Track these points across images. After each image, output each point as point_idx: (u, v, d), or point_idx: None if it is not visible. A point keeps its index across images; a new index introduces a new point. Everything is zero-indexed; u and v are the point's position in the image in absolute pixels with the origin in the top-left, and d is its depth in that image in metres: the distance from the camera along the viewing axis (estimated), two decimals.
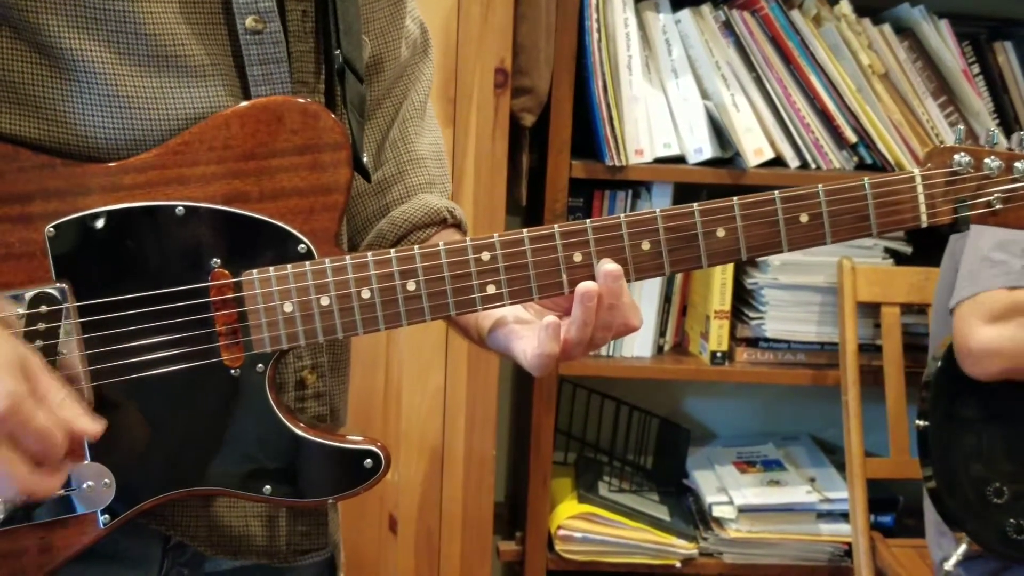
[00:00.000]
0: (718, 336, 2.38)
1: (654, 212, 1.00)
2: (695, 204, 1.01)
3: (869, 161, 2.31)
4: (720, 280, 2.36)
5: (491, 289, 1.00)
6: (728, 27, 2.28)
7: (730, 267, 2.34)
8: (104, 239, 0.96)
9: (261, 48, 1.00)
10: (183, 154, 0.97)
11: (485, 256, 0.99)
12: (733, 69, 2.28)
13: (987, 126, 2.32)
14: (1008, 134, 2.32)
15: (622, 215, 1.01)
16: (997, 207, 1.04)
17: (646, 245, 1.01)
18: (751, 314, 2.39)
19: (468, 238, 1.00)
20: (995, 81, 2.39)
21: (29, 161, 0.95)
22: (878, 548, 2.18)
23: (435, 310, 1.00)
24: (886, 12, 2.40)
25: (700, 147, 2.27)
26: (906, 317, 2.29)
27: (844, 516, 2.40)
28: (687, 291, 2.48)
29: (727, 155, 2.31)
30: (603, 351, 2.40)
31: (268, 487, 1.01)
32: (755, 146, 2.27)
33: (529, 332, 1.01)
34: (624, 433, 2.62)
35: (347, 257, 0.99)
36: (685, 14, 2.28)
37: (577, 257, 1.00)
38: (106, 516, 0.98)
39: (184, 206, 0.97)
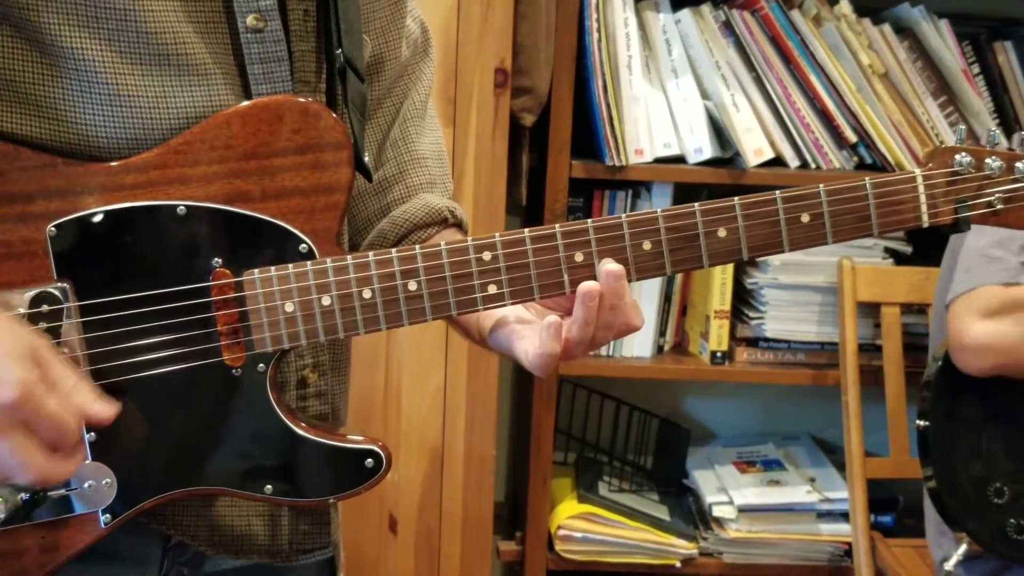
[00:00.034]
0: (718, 336, 2.38)
1: (655, 212, 1.00)
2: (696, 204, 1.01)
3: (869, 161, 2.31)
4: (720, 280, 2.36)
5: (492, 289, 1.00)
6: (728, 27, 2.28)
7: (730, 267, 2.34)
8: (105, 238, 0.96)
9: (262, 46, 1.00)
10: (184, 153, 0.97)
11: (486, 256, 0.99)
12: (733, 69, 2.28)
13: (987, 126, 2.32)
14: (1008, 134, 2.32)
15: (623, 215, 1.01)
16: (998, 207, 1.04)
17: (647, 245, 1.01)
18: (751, 314, 2.39)
19: (469, 238, 1.00)
20: (995, 81, 2.39)
21: (30, 160, 0.95)
22: (878, 548, 2.18)
23: (436, 310, 1.00)
24: (886, 12, 2.40)
25: (700, 147, 2.27)
26: (906, 317, 2.29)
27: (844, 516, 2.40)
28: (687, 291, 2.48)
29: (727, 155, 2.31)
30: (603, 351, 2.40)
31: (269, 487, 1.01)
32: (755, 146, 2.27)
33: (530, 332, 1.01)
34: (624, 433, 2.62)
35: (349, 257, 0.99)
36: (685, 14, 2.28)
37: (578, 257, 1.00)
38: (107, 516, 0.98)
39: (185, 205, 0.97)
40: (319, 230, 0.99)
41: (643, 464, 2.64)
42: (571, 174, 2.26)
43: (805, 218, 1.02)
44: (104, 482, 0.97)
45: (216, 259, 0.97)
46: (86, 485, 0.97)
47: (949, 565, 1.78)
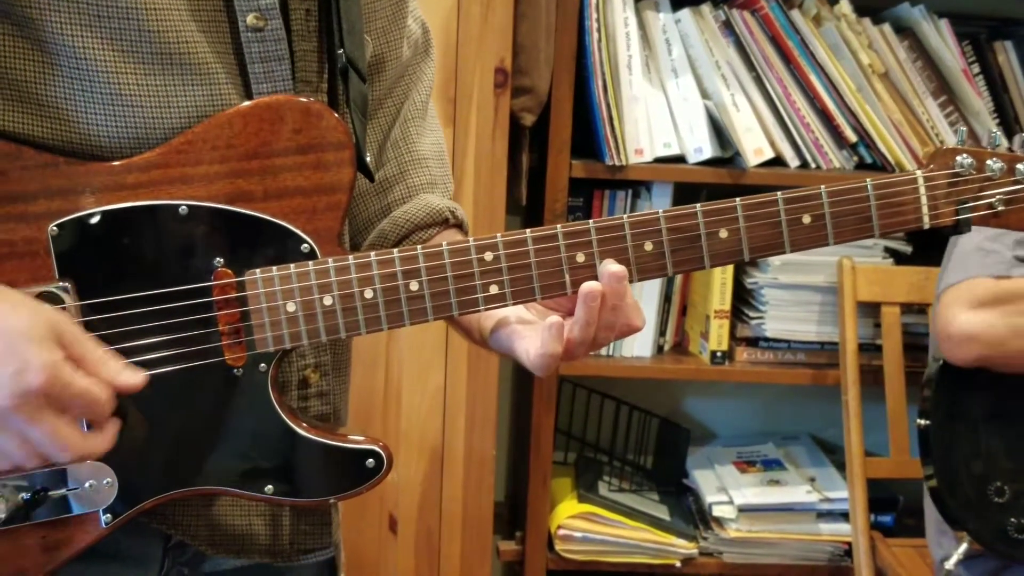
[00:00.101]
0: (718, 336, 2.38)
1: (657, 213, 1.00)
2: (698, 205, 1.01)
3: (869, 161, 2.32)
4: (720, 280, 2.36)
5: (494, 289, 1.00)
6: (728, 27, 2.28)
7: (730, 267, 2.34)
8: (107, 238, 0.96)
9: (262, 46, 1.00)
10: (186, 153, 0.97)
11: (488, 256, 0.99)
12: (733, 69, 2.28)
13: (987, 126, 2.32)
14: (1008, 134, 2.32)
15: (625, 216, 1.01)
16: (999, 209, 1.05)
17: (649, 246, 1.01)
18: (751, 314, 2.40)
19: (471, 238, 1.00)
20: (995, 81, 2.39)
21: (32, 160, 0.95)
22: (878, 548, 2.18)
23: (438, 310, 1.00)
24: (886, 12, 2.40)
25: (700, 147, 2.27)
26: (906, 317, 2.29)
27: (844, 516, 2.40)
28: (687, 291, 2.48)
29: (727, 155, 2.31)
30: (603, 351, 2.40)
31: (270, 486, 1.01)
32: (755, 146, 2.27)
33: (532, 332, 1.01)
34: (624, 433, 2.62)
35: (350, 257, 0.99)
36: (685, 14, 2.28)
37: (580, 257, 1.00)
38: (108, 515, 0.98)
39: (187, 205, 0.97)
40: (321, 230, 0.99)
41: (643, 464, 2.64)
42: (571, 174, 2.26)
43: (806, 219, 1.02)
44: (105, 482, 0.97)
45: (218, 259, 0.97)
46: (87, 485, 0.97)
47: (949, 564, 1.78)
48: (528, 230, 1.00)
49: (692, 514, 2.50)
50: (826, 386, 2.38)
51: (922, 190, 1.04)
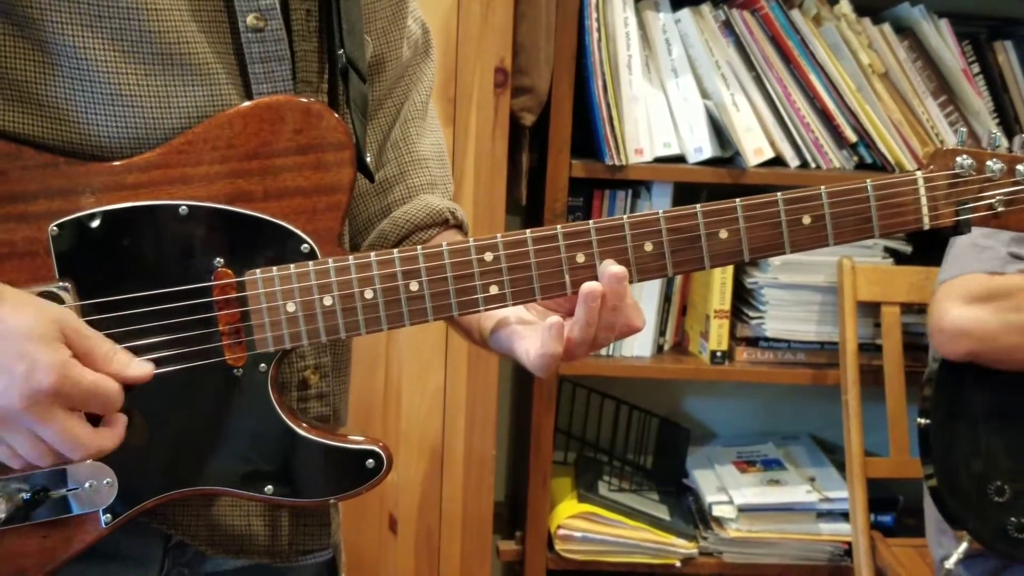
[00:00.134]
0: (718, 336, 2.38)
1: (657, 213, 1.00)
2: (698, 205, 1.01)
3: (869, 161, 2.31)
4: (720, 280, 2.36)
5: (494, 290, 1.00)
6: (728, 26, 2.28)
7: (730, 267, 2.34)
8: (107, 238, 0.96)
9: (263, 46, 1.00)
10: (186, 153, 0.97)
11: (488, 256, 0.99)
12: (733, 69, 2.28)
13: (987, 126, 2.32)
14: (1008, 134, 2.32)
15: (625, 216, 1.01)
16: (999, 210, 1.05)
17: (649, 246, 1.01)
18: (751, 313, 2.40)
19: (471, 238, 1.00)
20: (995, 81, 2.39)
21: (32, 160, 0.95)
22: (878, 547, 2.18)
23: (438, 310, 1.00)
24: (886, 12, 2.40)
25: (700, 146, 2.27)
26: (906, 316, 2.29)
27: (844, 516, 2.40)
28: (687, 291, 2.48)
29: (727, 154, 2.31)
30: (603, 351, 2.40)
31: (270, 487, 1.01)
32: (755, 145, 2.27)
33: (532, 332, 1.01)
34: (624, 433, 2.62)
35: (350, 257, 0.99)
36: (685, 13, 2.28)
37: (580, 258, 1.00)
38: (108, 515, 0.98)
39: (187, 205, 0.97)
40: (321, 230, 0.99)
41: (643, 464, 2.64)
42: (571, 174, 2.26)
43: (806, 220, 1.02)
44: (105, 482, 0.97)
45: (218, 259, 0.97)
46: (87, 485, 0.97)
47: (949, 564, 1.78)
48: (528, 230, 1.00)
49: (692, 514, 2.50)
50: (826, 386, 2.38)
51: (922, 191, 1.04)
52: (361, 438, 1.02)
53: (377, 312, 0.99)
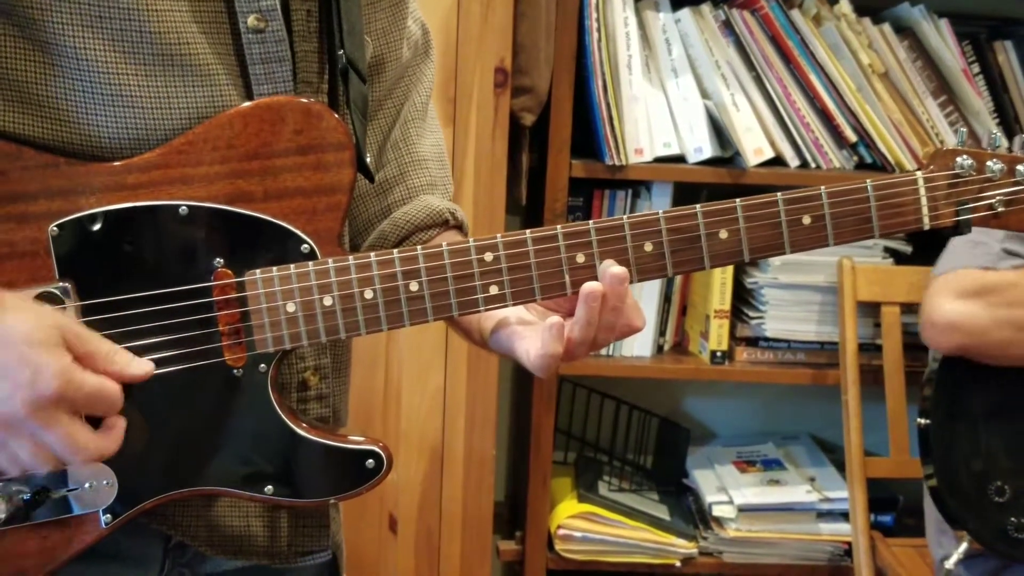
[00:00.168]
0: (718, 335, 2.38)
1: (657, 213, 1.00)
2: (698, 205, 1.01)
3: (869, 161, 2.31)
4: (720, 279, 2.36)
5: (494, 290, 1.00)
6: (728, 26, 2.28)
7: (730, 267, 2.34)
8: (107, 238, 0.96)
9: (263, 47, 1.00)
10: (187, 153, 0.97)
11: (488, 257, 1.00)
12: (733, 68, 2.28)
13: (987, 126, 2.32)
14: (1008, 134, 2.32)
15: (625, 216, 1.01)
16: (999, 210, 1.05)
17: (649, 246, 1.01)
18: (751, 313, 2.40)
19: (471, 239, 1.00)
20: (995, 81, 2.39)
21: (33, 160, 0.95)
22: (878, 547, 2.19)
23: (438, 311, 1.00)
24: (886, 11, 2.40)
25: (700, 146, 2.27)
26: (906, 316, 2.29)
27: (844, 516, 2.40)
28: (687, 291, 2.48)
29: (727, 154, 2.31)
30: (603, 351, 2.40)
31: (270, 487, 1.01)
32: (755, 145, 2.27)
33: (532, 333, 1.01)
34: (624, 433, 2.62)
35: (350, 257, 0.99)
36: (685, 13, 2.28)
37: (580, 258, 1.00)
38: (107, 516, 0.98)
39: (187, 206, 0.97)
40: (321, 231, 0.99)
41: (643, 464, 2.64)
42: (571, 174, 2.26)
43: (806, 220, 1.02)
44: (104, 482, 0.97)
45: (218, 259, 0.97)
46: (86, 485, 0.97)
47: (949, 564, 1.78)
48: (528, 231, 1.00)
49: (692, 514, 2.50)
50: (826, 386, 2.38)
51: (922, 191, 1.04)
52: (361, 438, 1.02)
53: (377, 312, 0.99)
